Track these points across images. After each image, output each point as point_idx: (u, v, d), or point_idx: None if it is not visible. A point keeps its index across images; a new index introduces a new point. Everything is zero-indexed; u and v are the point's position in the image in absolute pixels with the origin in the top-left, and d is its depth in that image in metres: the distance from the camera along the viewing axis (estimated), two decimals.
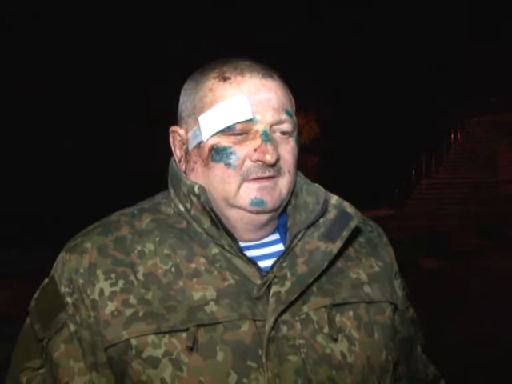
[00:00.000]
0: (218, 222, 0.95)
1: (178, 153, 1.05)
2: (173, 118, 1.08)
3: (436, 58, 25.16)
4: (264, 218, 1.00)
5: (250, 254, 1.00)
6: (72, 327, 0.94)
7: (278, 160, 0.96)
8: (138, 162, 16.32)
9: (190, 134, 1.01)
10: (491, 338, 5.63)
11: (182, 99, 1.05)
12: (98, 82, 16.92)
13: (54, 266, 1.01)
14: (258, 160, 0.95)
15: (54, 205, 14.88)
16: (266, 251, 1.03)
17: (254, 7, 21.05)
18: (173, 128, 1.05)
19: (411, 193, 20.82)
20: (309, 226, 1.01)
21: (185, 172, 1.03)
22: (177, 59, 16.70)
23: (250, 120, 0.95)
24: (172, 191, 1.05)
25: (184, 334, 0.89)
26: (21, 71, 15.76)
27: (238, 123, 0.95)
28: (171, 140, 1.05)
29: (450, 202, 19.05)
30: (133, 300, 0.92)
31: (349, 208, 1.03)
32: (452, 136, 23.94)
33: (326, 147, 22.10)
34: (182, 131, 1.03)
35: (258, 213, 0.98)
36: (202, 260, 0.96)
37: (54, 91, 16.35)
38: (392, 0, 24.37)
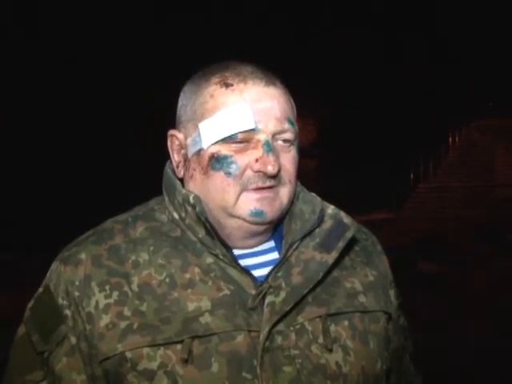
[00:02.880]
0: (212, 232, 0.94)
1: (176, 157, 1.03)
2: (171, 119, 1.07)
3: (434, 62, 25.21)
4: (262, 227, 0.99)
5: (244, 262, 0.99)
6: (73, 340, 0.93)
7: (279, 170, 0.95)
8: (137, 164, 16.30)
9: (189, 140, 0.99)
10: (490, 342, 5.62)
11: (181, 102, 1.02)
12: (99, 83, 16.91)
13: (48, 274, 1.00)
14: (260, 171, 0.94)
15: (53, 208, 14.86)
16: (260, 259, 1.02)
17: (254, 8, 21.09)
18: (171, 132, 1.03)
19: (409, 196, 20.83)
20: (304, 236, 1.00)
21: (183, 178, 1.02)
22: (176, 59, 16.71)
23: (252, 129, 0.94)
24: (166, 198, 1.03)
25: (179, 346, 0.88)
26: (21, 73, 15.75)
27: (240, 132, 0.94)
28: (169, 144, 1.03)
29: (448, 205, 19.07)
30: (127, 312, 0.91)
31: (345, 218, 1.02)
32: (450, 140, 23.97)
33: (323, 151, 22.13)
34: (180, 136, 1.01)
35: (256, 223, 0.96)
36: (197, 270, 0.95)
37: (53, 94, 16.34)
38: (389, 2, 24.41)
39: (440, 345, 5.28)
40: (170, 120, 1.08)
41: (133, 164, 16.54)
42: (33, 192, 15.15)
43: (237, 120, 0.93)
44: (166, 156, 1.06)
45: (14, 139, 15.46)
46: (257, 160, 0.94)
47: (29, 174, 15.47)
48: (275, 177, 0.95)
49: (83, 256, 0.96)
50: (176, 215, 1.00)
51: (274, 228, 1.04)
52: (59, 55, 16.68)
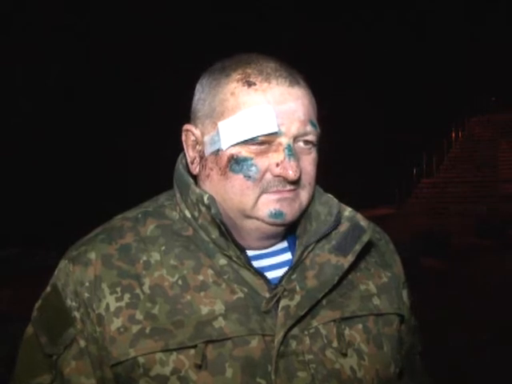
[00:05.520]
0: (226, 233, 0.91)
1: (190, 153, 0.99)
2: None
3: (437, 57, 25.15)
4: (280, 229, 0.96)
5: (258, 264, 0.96)
6: (82, 343, 0.91)
7: (299, 175, 0.92)
8: (138, 162, 16.31)
9: (206, 138, 0.95)
10: (492, 338, 5.62)
11: (197, 95, 0.98)
12: (99, 82, 16.91)
13: (56, 273, 0.97)
14: (280, 176, 0.91)
15: (56, 205, 14.87)
16: (274, 261, 1.00)
17: (255, 5, 21.07)
18: (187, 127, 0.98)
19: (412, 192, 20.82)
20: (320, 238, 0.98)
21: (198, 176, 0.99)
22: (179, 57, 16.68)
23: (275, 132, 0.90)
24: (178, 195, 1.00)
25: (192, 351, 0.86)
26: (23, 72, 15.74)
27: (262, 135, 0.90)
28: (184, 138, 0.99)
29: (451, 200, 19.06)
30: (139, 315, 0.89)
31: (362, 221, 1.00)
32: (453, 135, 23.93)
33: (326, 146, 22.09)
34: (197, 132, 0.97)
35: (276, 225, 0.94)
36: (210, 272, 0.93)
37: (54, 94, 16.34)
38: (393, 0, 24.36)
39: (441, 342, 5.27)
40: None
41: (133, 163, 16.52)
42: (35, 189, 15.16)
43: (259, 122, 0.89)
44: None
45: (15, 137, 15.46)
46: (277, 164, 0.90)
47: (30, 172, 15.48)
48: (296, 182, 0.92)
49: (93, 255, 0.93)
50: (188, 214, 0.97)
51: (288, 228, 1.01)
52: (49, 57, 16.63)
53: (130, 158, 16.68)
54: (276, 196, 0.92)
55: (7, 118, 15.36)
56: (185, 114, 1.03)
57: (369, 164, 21.91)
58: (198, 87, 0.99)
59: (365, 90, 22.87)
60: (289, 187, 0.92)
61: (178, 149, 1.04)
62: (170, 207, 1.02)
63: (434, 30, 25.39)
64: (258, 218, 0.93)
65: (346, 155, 22.31)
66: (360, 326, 0.97)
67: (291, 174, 0.90)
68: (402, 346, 1.06)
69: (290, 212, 0.93)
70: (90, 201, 14.30)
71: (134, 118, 17.36)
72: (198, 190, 0.95)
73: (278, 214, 0.92)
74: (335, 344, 0.93)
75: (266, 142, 0.91)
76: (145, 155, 16.03)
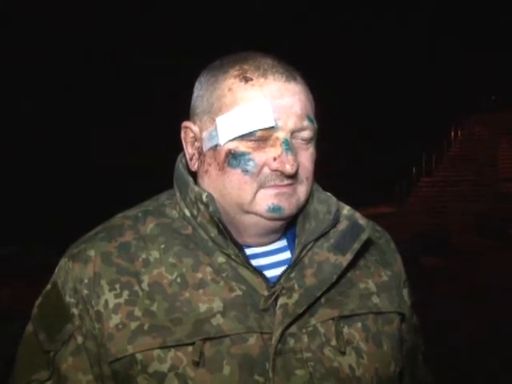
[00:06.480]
0: (225, 231, 0.92)
1: (189, 150, 1.00)
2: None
3: (436, 56, 25.15)
4: (279, 223, 0.96)
5: (256, 262, 0.97)
6: (79, 339, 0.92)
7: (297, 169, 0.92)
8: (138, 162, 16.31)
9: (204, 134, 0.96)
10: (491, 336, 5.62)
11: (196, 92, 0.99)
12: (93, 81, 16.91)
13: (56, 271, 0.98)
14: (278, 170, 0.91)
15: (55, 203, 14.88)
16: (273, 259, 1.00)
17: (255, 5, 21.08)
18: (185, 123, 1.00)
19: (411, 191, 20.82)
20: (319, 237, 0.98)
21: (197, 172, 1.00)
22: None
23: (271, 127, 0.91)
24: (177, 193, 1.01)
25: (190, 348, 0.87)
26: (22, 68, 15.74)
27: (259, 129, 0.90)
28: (183, 135, 1.00)
29: (450, 199, 19.05)
30: (137, 312, 0.89)
31: (360, 219, 1.00)
32: (452, 134, 23.93)
33: (325, 145, 22.10)
34: (195, 128, 0.98)
35: (274, 219, 0.94)
36: (208, 269, 0.93)
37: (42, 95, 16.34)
38: (393, 0, 24.38)
39: (441, 342, 5.27)
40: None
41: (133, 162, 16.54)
42: (34, 187, 15.17)
43: (256, 117, 0.90)
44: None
45: (14, 135, 15.47)
46: (275, 159, 0.91)
47: (30, 169, 15.49)
48: (293, 176, 0.93)
49: (92, 253, 0.94)
50: (187, 212, 0.98)
51: (287, 226, 1.02)
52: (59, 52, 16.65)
53: (129, 158, 16.68)
54: (274, 190, 0.92)
55: (7, 118, 15.35)
56: (185, 114, 1.03)
57: (369, 163, 21.90)
58: (197, 84, 1.00)
59: (365, 89, 22.87)
60: (286, 182, 0.92)
61: (178, 149, 1.05)
62: (170, 206, 1.02)
63: (433, 30, 25.40)
64: (256, 213, 0.93)
65: (346, 154, 22.33)
66: (359, 324, 0.97)
67: (288, 168, 0.90)
68: (402, 345, 1.06)
69: (288, 206, 0.94)
70: (90, 201, 14.31)
71: (134, 117, 17.35)
72: (196, 189, 0.95)
73: (276, 209, 0.93)
74: (334, 342, 0.93)
75: (263, 136, 0.92)
76: (145, 155, 16.03)
